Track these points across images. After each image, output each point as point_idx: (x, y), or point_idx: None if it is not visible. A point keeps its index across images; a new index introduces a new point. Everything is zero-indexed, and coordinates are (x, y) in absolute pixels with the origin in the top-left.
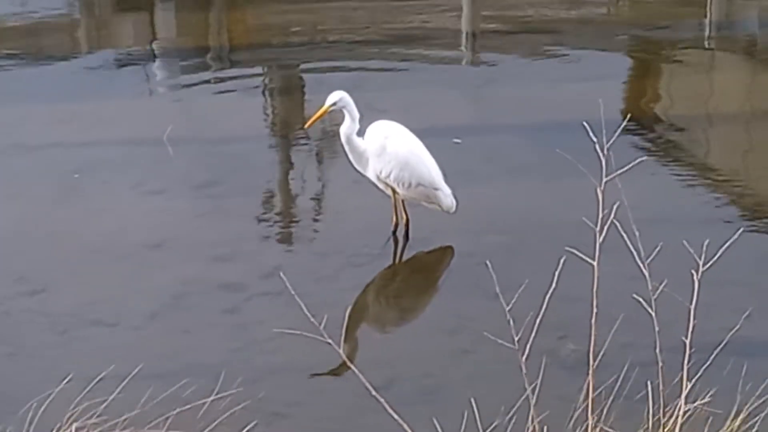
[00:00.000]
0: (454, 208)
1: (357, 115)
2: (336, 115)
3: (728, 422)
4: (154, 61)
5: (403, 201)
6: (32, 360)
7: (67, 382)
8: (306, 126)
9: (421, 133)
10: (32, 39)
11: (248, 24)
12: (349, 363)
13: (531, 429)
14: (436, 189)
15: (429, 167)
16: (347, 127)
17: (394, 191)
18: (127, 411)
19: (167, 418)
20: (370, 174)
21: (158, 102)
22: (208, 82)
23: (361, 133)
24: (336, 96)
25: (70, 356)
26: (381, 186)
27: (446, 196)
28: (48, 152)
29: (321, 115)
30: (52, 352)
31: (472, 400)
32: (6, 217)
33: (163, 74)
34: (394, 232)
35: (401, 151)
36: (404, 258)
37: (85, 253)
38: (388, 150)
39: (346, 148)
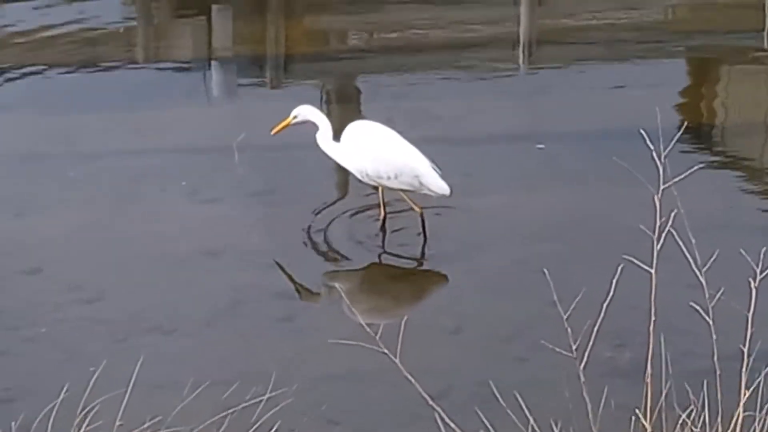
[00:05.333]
0: (448, 191)
1: (326, 123)
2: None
3: None
4: (211, 69)
5: (383, 195)
6: (88, 367)
7: (124, 389)
8: (273, 132)
9: (478, 141)
10: (90, 48)
11: (305, 31)
12: (405, 372)
13: None
14: (417, 176)
15: (406, 157)
16: (319, 135)
17: (381, 186)
18: (183, 417)
19: (222, 424)
20: (355, 173)
21: (215, 110)
22: (264, 90)
23: None
24: (296, 111)
25: (126, 363)
26: (369, 182)
27: (433, 179)
28: (105, 160)
29: (284, 126)
30: (107, 358)
31: (529, 409)
32: (62, 225)
33: (220, 82)
34: (383, 224)
35: (373, 146)
36: (460, 265)
37: (141, 261)
38: (361, 147)
39: (327, 153)
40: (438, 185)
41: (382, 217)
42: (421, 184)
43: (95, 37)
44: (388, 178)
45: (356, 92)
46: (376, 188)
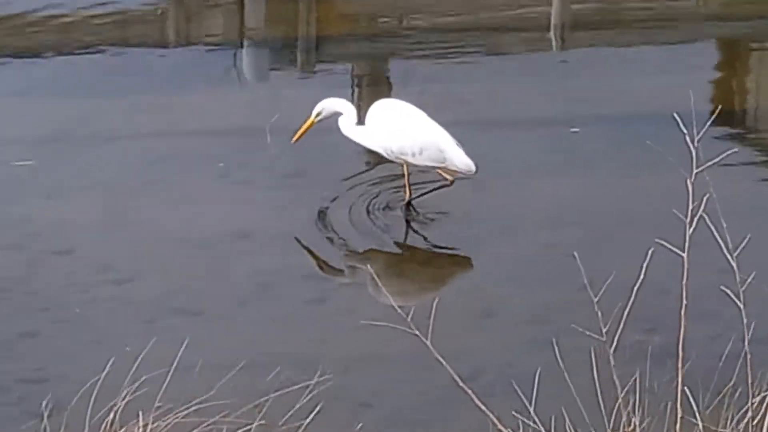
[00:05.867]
0: (473, 168)
1: (350, 108)
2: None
3: None
4: (243, 51)
5: (408, 176)
6: (117, 348)
7: (154, 371)
8: (294, 140)
9: (509, 125)
10: (119, 30)
11: (337, 13)
12: (436, 354)
13: (619, 420)
14: (441, 151)
15: (430, 132)
16: (341, 120)
17: (406, 164)
18: (212, 400)
19: (252, 407)
20: (380, 151)
21: (246, 92)
22: (296, 72)
23: None
24: (318, 107)
25: (155, 345)
26: (394, 160)
27: (458, 155)
28: (133, 142)
29: (308, 128)
30: (137, 340)
31: (559, 392)
32: (92, 206)
33: (252, 64)
34: (408, 205)
35: (397, 123)
36: (490, 248)
37: (170, 243)
38: (386, 125)
39: (350, 138)
40: (463, 161)
41: (407, 197)
42: (446, 159)
43: (126, 19)
44: (413, 154)
45: (387, 75)
46: (402, 168)
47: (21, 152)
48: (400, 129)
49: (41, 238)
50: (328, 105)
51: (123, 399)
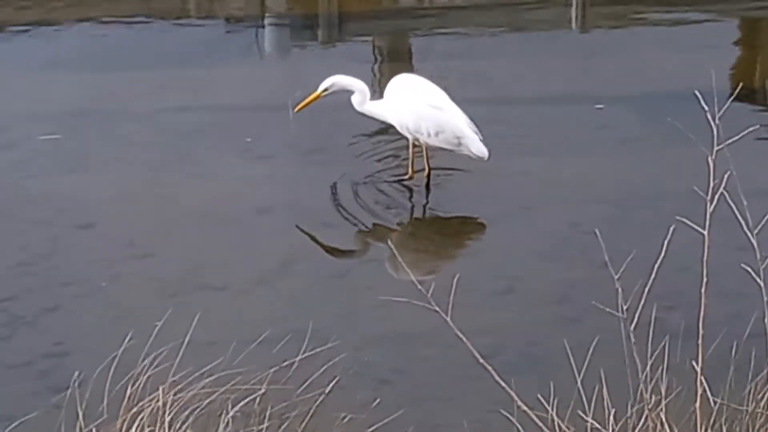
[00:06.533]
0: (486, 154)
1: (361, 86)
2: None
3: None
4: (265, 27)
5: (427, 151)
6: (139, 324)
7: (176, 345)
8: (296, 110)
9: (530, 102)
10: (142, 4)
11: None
12: (456, 331)
13: (639, 398)
14: (458, 136)
15: (448, 115)
16: (356, 99)
17: (419, 142)
18: (234, 374)
19: (273, 381)
20: (396, 126)
21: (267, 68)
22: (317, 48)
23: None
24: (327, 82)
25: (177, 320)
26: (408, 136)
27: (473, 141)
28: (156, 117)
29: (312, 101)
30: (159, 315)
31: (580, 369)
32: (115, 182)
33: (273, 40)
34: (428, 182)
35: (417, 102)
36: (512, 225)
37: (193, 218)
38: (405, 102)
39: (367, 114)
40: (477, 147)
41: (426, 173)
42: (460, 144)
43: None
44: (429, 135)
45: (408, 51)
46: (418, 145)
47: (46, 126)
48: (420, 107)
49: (65, 212)
50: (338, 81)
51: (143, 373)
